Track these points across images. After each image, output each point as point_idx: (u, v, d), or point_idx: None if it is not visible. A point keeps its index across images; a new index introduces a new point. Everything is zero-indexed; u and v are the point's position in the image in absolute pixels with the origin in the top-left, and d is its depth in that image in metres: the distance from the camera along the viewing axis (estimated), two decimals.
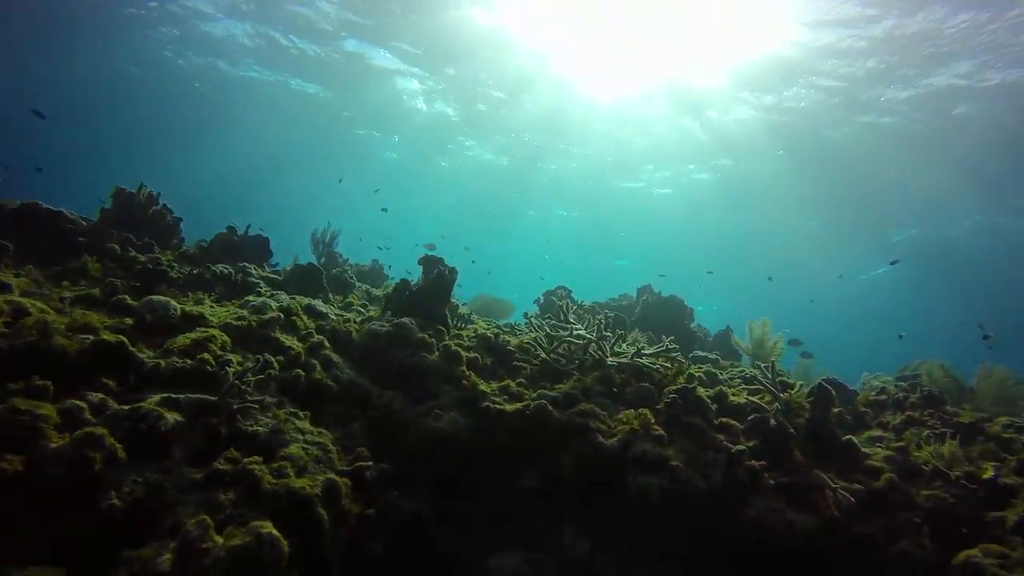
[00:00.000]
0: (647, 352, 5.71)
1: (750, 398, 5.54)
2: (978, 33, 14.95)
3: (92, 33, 22.12)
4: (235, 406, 3.81)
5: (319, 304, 5.92)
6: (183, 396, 3.72)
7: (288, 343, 4.93)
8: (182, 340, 4.19)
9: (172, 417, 3.50)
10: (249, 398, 3.96)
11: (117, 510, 2.92)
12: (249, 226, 7.89)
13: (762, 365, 5.73)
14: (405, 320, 5.57)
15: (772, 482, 4.77)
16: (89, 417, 3.24)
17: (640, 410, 4.68)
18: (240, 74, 24.85)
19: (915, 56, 16.33)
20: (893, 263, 18.16)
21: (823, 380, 6.29)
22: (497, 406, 4.77)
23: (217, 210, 24.32)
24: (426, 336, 5.49)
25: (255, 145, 33.96)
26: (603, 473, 4.48)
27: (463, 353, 5.40)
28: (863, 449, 6.07)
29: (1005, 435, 6.40)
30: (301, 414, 4.29)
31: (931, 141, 20.49)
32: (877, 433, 6.85)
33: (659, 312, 10.81)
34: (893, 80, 17.72)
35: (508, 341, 6.08)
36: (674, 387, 4.99)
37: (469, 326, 6.68)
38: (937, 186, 23.62)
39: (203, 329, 4.46)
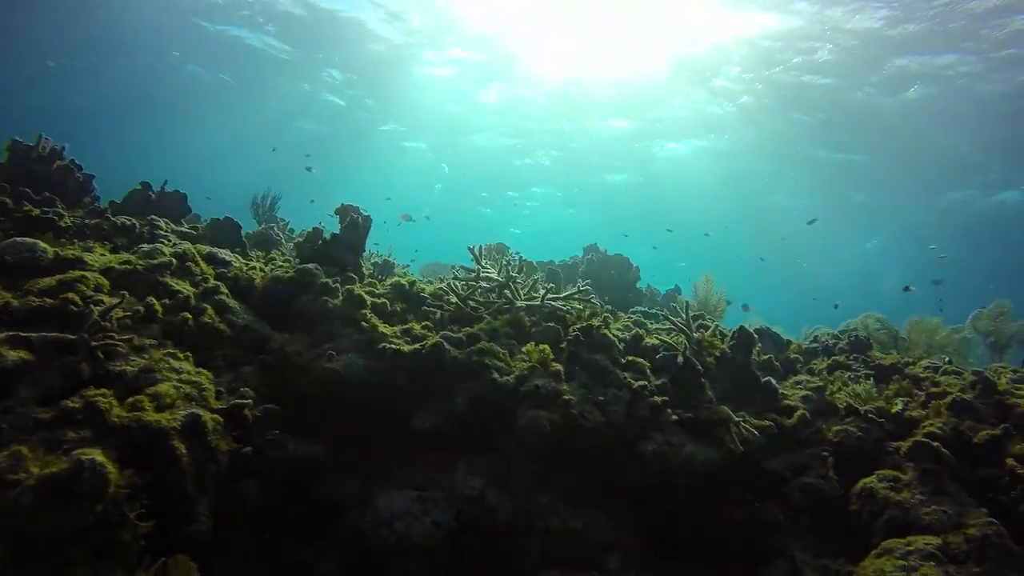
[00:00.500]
0: (561, 295, 5.62)
1: (663, 339, 5.49)
2: None
3: None
4: (94, 344, 3.63)
5: (224, 253, 5.71)
6: (36, 335, 3.52)
7: (178, 288, 4.73)
8: (47, 281, 3.98)
9: (17, 355, 3.31)
10: (117, 337, 3.78)
11: None
12: (165, 183, 7.58)
13: (675, 306, 5.68)
14: (310, 266, 5.39)
15: (675, 417, 4.74)
16: None
17: (540, 345, 4.59)
18: None
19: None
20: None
21: (743, 325, 6.29)
22: (394, 346, 4.65)
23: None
24: (330, 282, 5.33)
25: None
26: (498, 411, 4.40)
27: (368, 298, 5.25)
28: (781, 390, 6.11)
29: (922, 375, 6.49)
30: (181, 355, 4.12)
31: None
32: (804, 377, 6.90)
33: (604, 270, 10.76)
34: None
35: (424, 289, 5.94)
36: (578, 325, 4.91)
37: (391, 278, 6.53)
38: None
39: (77, 272, 4.25)
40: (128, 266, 4.61)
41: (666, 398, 4.70)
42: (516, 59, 22.08)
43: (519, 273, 5.60)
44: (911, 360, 7.22)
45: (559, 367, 4.54)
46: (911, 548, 3.99)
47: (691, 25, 18.03)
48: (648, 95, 23.26)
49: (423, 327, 5.14)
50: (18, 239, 4.24)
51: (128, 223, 6.00)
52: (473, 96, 26.17)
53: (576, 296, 5.63)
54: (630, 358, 5.01)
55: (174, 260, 4.96)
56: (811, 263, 46.55)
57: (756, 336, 6.31)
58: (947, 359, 6.88)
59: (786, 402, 5.88)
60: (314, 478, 4.45)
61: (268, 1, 20.90)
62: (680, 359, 5.05)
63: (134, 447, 3.19)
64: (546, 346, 4.59)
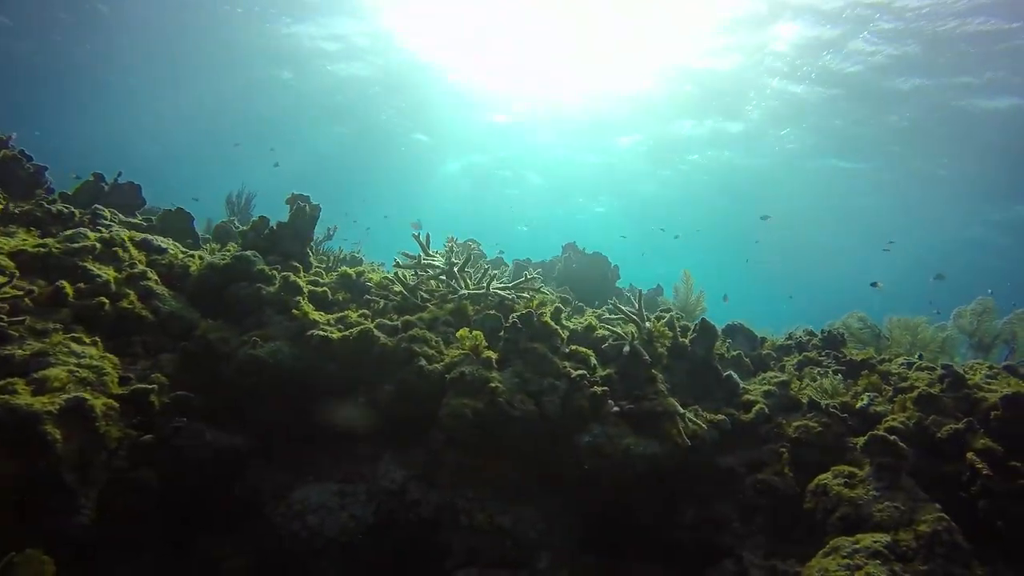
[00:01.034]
0: (509, 284, 5.39)
1: (613, 329, 5.25)
2: None
3: None
4: None
5: (161, 240, 5.52)
6: None
7: (98, 272, 4.53)
8: None
9: None
10: (6, 320, 3.58)
11: None
12: (119, 174, 7.41)
13: (628, 295, 5.44)
14: (247, 253, 5.19)
15: (617, 409, 4.49)
16: None
17: (473, 332, 4.36)
18: None
19: None
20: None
21: (704, 318, 6.04)
22: (322, 333, 4.43)
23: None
24: (267, 269, 5.12)
25: None
26: (426, 400, 4.17)
27: (305, 286, 5.05)
28: (744, 385, 5.85)
29: (894, 370, 6.21)
30: (87, 339, 3.92)
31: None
32: (773, 374, 6.64)
33: (581, 270, 10.52)
34: None
35: (371, 279, 5.73)
36: (517, 313, 4.68)
37: (340, 268, 6.32)
38: None
39: None
40: (42, 250, 4.42)
41: (607, 388, 4.45)
42: None
43: (466, 262, 5.38)
44: (887, 357, 6.94)
45: (492, 354, 4.30)
46: (858, 546, 3.72)
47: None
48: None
49: (360, 315, 4.93)
50: None
51: (65, 210, 5.81)
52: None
53: (523, 284, 5.40)
54: (573, 347, 4.77)
55: (99, 245, 4.77)
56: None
57: (718, 329, 6.07)
58: (918, 355, 6.61)
59: (746, 397, 5.63)
60: (238, 470, 4.23)
61: None
62: (627, 348, 4.80)
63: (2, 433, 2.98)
64: (479, 332, 4.36)
